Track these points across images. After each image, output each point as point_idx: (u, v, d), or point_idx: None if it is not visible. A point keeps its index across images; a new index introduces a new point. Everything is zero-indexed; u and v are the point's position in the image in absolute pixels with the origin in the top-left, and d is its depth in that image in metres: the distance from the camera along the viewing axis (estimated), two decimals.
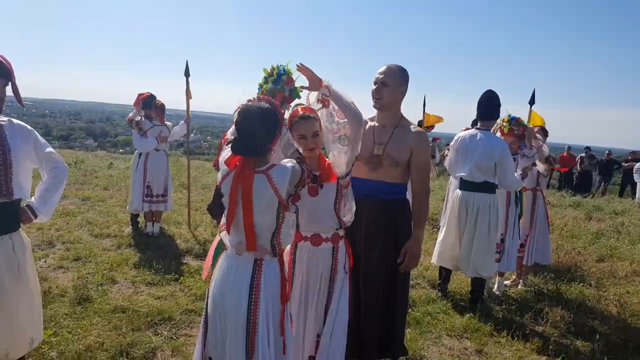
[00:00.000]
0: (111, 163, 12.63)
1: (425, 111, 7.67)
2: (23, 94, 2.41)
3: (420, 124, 8.14)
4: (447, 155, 5.03)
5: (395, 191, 2.98)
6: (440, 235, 4.82)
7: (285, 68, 2.66)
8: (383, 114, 3.01)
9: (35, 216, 2.57)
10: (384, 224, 2.92)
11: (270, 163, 2.18)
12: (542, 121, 5.65)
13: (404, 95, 2.99)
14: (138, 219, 6.54)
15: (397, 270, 2.89)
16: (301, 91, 2.64)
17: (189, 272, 4.94)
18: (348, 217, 2.66)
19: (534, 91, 5.44)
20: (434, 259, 4.88)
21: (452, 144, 4.76)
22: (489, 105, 4.55)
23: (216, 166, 2.54)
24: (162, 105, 6.33)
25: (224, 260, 2.27)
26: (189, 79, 6.60)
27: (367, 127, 2.95)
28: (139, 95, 6.21)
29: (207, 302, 2.30)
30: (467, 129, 4.79)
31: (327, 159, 2.63)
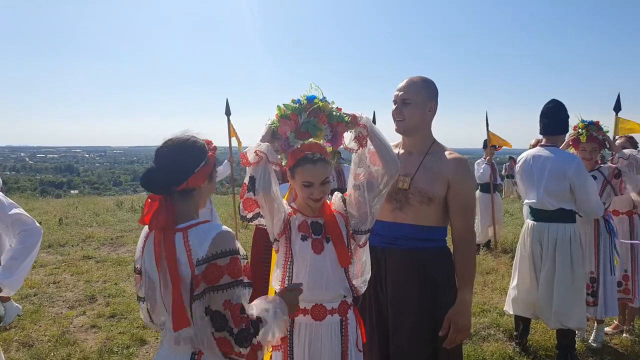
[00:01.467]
0: None
1: (489, 129, 6.84)
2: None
3: (485, 143, 7.31)
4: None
5: (429, 237, 2.30)
6: (513, 279, 3.99)
7: (316, 96, 1.98)
8: (409, 139, 2.39)
9: None
10: (417, 283, 2.24)
11: (197, 220, 1.59)
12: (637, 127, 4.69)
13: (434, 114, 2.35)
14: None
15: (440, 345, 2.21)
16: (321, 130, 1.92)
17: None
18: (361, 280, 2.04)
19: (618, 96, 4.65)
20: (507, 307, 4.04)
21: (516, 169, 3.98)
22: (555, 117, 3.75)
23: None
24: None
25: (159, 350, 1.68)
26: (230, 117, 6.51)
27: None
28: None
29: None
30: (537, 142, 3.97)
31: (329, 202, 2.07)
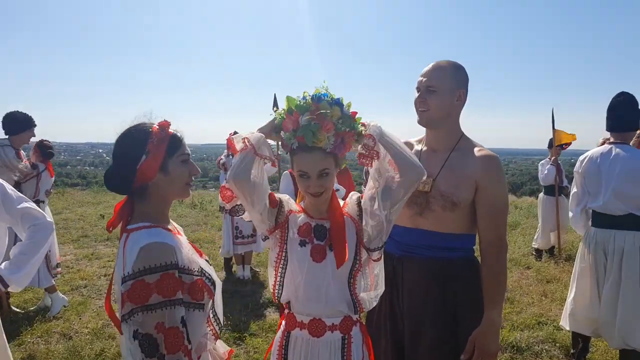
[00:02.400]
0: None
1: (555, 127, 6.29)
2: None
3: (550, 143, 6.76)
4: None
5: (452, 246, 2.03)
6: (572, 291, 3.58)
7: (327, 95, 1.69)
8: (433, 133, 2.11)
9: (6, 286, 2.20)
10: (437, 298, 1.98)
11: (145, 223, 1.41)
12: None
13: (463, 104, 2.07)
14: (231, 263, 6.30)
15: None
16: (319, 139, 1.64)
17: (261, 329, 4.38)
18: (373, 294, 1.80)
19: None
20: (563, 322, 3.65)
21: (576, 168, 3.56)
22: (625, 111, 3.32)
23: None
24: None
25: None
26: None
27: (411, 150, 2.08)
28: (228, 137, 6.03)
29: None
30: (606, 140, 3.54)
31: (343, 201, 1.86)
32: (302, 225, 1.77)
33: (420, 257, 2.01)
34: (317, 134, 1.62)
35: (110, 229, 1.46)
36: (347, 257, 1.66)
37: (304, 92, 1.71)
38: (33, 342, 3.97)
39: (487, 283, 1.96)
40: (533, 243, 7.10)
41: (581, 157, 3.56)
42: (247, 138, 1.67)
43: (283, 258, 1.77)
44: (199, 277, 1.42)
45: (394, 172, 1.70)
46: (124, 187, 1.44)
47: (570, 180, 11.04)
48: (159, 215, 1.46)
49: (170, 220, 1.54)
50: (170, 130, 1.47)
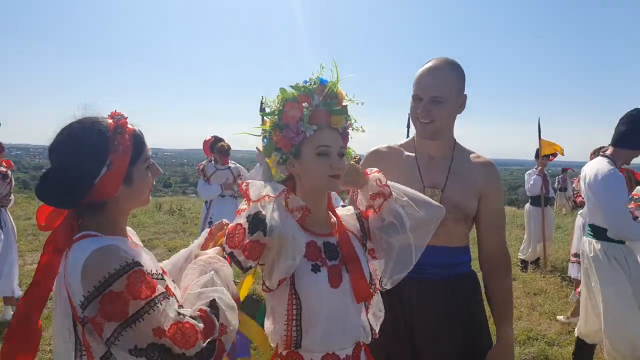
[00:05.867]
0: None
1: (541, 137, 6.21)
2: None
3: (537, 153, 6.68)
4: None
5: (458, 261, 1.85)
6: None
7: (328, 80, 1.50)
8: (430, 141, 1.90)
9: None
10: (448, 320, 1.79)
11: (92, 232, 1.16)
12: None
13: (463, 109, 1.88)
14: None
15: None
16: (342, 114, 1.49)
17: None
18: (379, 317, 1.60)
19: None
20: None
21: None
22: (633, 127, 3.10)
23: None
24: (223, 147, 5.78)
25: None
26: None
27: (401, 158, 1.91)
28: (204, 142, 5.80)
29: None
30: (598, 150, 3.41)
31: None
32: (308, 247, 1.44)
33: (433, 279, 1.81)
34: (339, 109, 1.45)
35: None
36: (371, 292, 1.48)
37: (297, 83, 1.49)
38: None
39: (498, 297, 1.82)
40: (519, 254, 6.97)
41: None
42: (268, 195, 1.39)
43: (295, 302, 1.41)
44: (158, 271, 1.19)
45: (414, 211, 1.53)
46: (70, 203, 1.17)
47: (556, 191, 11.05)
48: (112, 225, 1.21)
49: (128, 232, 1.30)
50: (129, 126, 1.19)
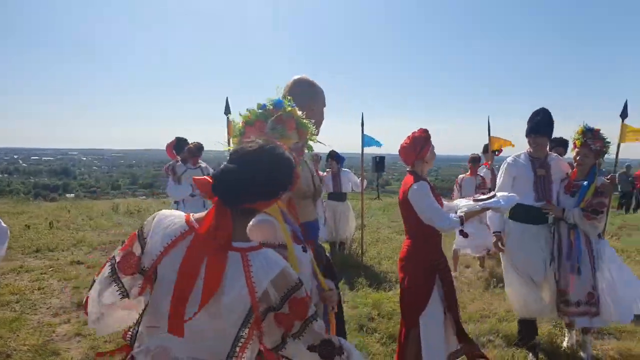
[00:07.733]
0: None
1: (491, 134, 6.66)
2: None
3: (485, 148, 7.15)
4: None
5: None
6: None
7: (284, 101, 1.87)
8: None
9: None
10: None
11: (255, 242, 1.45)
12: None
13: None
14: None
15: None
16: (289, 138, 1.83)
17: None
18: None
19: (625, 103, 4.75)
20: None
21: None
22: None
23: None
24: (193, 147, 5.87)
25: None
26: (230, 117, 6.19)
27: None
28: (167, 146, 5.88)
29: None
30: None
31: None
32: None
33: None
34: (285, 135, 1.77)
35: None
36: None
37: (259, 104, 1.86)
38: None
39: None
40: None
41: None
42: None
43: None
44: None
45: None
46: (241, 201, 1.43)
47: None
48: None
49: None
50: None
